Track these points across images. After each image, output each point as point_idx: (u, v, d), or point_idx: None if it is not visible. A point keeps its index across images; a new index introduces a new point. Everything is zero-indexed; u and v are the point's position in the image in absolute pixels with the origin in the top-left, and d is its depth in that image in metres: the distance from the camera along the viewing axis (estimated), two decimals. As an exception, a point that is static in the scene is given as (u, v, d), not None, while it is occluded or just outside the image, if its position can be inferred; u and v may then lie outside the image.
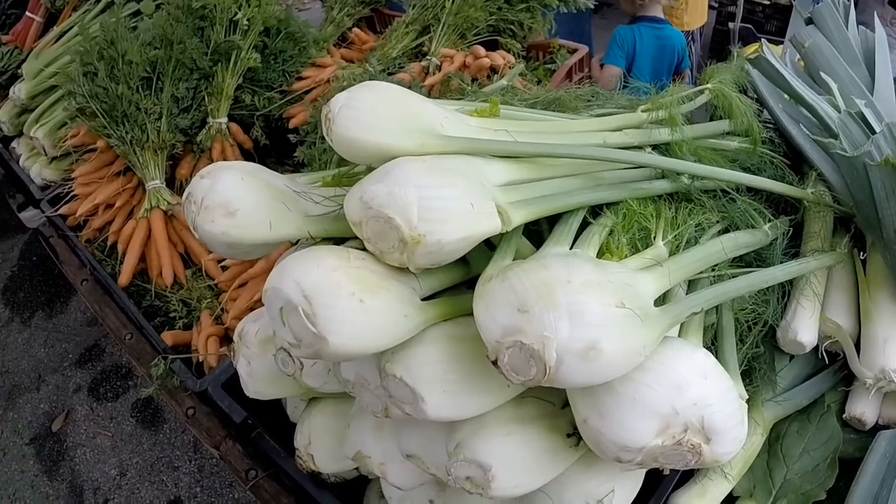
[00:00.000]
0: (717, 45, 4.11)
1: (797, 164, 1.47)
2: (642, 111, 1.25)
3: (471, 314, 0.95)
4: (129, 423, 2.69)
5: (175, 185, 2.04)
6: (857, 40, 1.58)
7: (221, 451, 1.76)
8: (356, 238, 1.00)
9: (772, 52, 1.41)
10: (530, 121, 1.16)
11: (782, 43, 3.39)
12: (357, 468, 1.33)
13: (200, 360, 1.64)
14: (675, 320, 0.94)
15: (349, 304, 0.83)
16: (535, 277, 0.81)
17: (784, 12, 3.50)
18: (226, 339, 1.71)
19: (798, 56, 1.65)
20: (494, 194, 0.93)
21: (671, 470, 1.27)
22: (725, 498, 1.28)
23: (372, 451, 1.12)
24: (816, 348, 1.34)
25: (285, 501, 1.63)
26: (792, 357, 1.38)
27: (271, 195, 1.01)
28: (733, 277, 1.10)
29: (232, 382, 1.46)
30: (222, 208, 0.98)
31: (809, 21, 1.58)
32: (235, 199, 0.98)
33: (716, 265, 1.13)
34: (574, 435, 0.96)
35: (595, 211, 1.08)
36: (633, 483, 1.00)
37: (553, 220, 1.06)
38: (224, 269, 1.80)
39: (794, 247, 1.37)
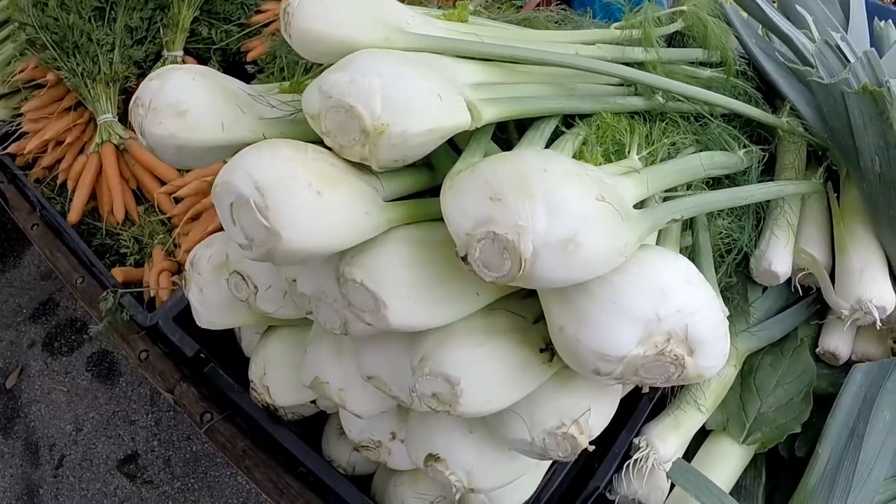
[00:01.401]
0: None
1: (769, 98, 1.41)
2: (616, 28, 1.17)
3: (436, 219, 0.87)
4: (84, 377, 2.56)
5: (128, 120, 1.90)
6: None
7: (175, 394, 1.66)
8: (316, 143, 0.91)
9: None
10: (500, 29, 1.07)
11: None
12: (315, 402, 1.25)
13: (152, 295, 1.52)
14: (654, 224, 0.86)
15: (306, 196, 0.74)
16: (509, 166, 0.73)
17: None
18: (178, 273, 1.60)
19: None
20: (464, 91, 0.84)
21: (644, 399, 1.21)
22: (698, 432, 1.23)
23: (330, 377, 1.03)
24: (789, 281, 1.29)
25: (241, 444, 1.53)
26: (765, 289, 1.33)
27: (224, 97, 0.91)
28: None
29: (184, 315, 1.36)
30: (171, 109, 0.88)
31: (784, -45, 1.51)
32: (186, 99, 0.88)
33: (692, 182, 1.06)
34: (547, 350, 0.88)
35: (567, 123, 1.01)
36: (609, 403, 0.93)
37: (523, 131, 0.98)
38: (177, 202, 1.69)
39: (767, 179, 1.31)
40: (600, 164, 0.94)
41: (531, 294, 0.90)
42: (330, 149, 0.81)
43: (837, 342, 1.29)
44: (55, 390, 2.55)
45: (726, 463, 1.22)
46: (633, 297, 0.75)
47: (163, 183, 1.75)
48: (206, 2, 1.92)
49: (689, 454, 1.23)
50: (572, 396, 0.89)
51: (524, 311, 0.90)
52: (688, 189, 1.07)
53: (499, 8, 1.41)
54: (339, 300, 0.89)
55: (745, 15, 1.45)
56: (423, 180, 0.91)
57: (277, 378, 1.18)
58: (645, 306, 0.74)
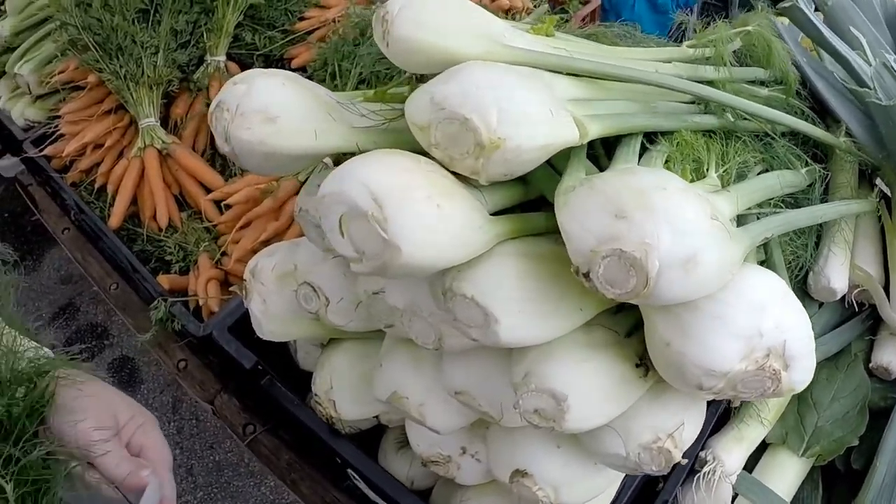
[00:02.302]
0: (707, 16, 3.90)
1: (821, 118, 1.40)
2: (688, 46, 1.15)
3: (539, 234, 0.85)
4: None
5: (169, 124, 1.86)
6: (877, 2, 1.52)
7: (216, 405, 1.62)
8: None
9: (805, 2, 1.32)
10: (582, 45, 1.05)
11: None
12: (376, 417, 1.22)
13: (200, 304, 1.48)
14: (752, 242, 0.85)
15: (426, 209, 0.71)
16: (628, 183, 0.71)
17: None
18: (226, 284, 1.55)
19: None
20: (566, 106, 0.82)
21: (708, 412, 1.19)
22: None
23: (410, 391, 0.99)
24: (843, 297, 1.28)
25: (286, 457, 1.50)
26: (821, 305, 1.31)
27: (314, 103, 0.88)
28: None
29: (238, 326, 1.32)
30: (261, 114, 0.84)
31: (832, -21, 1.50)
32: (276, 103, 0.84)
33: (770, 199, 1.04)
34: (642, 365, 0.86)
35: (649, 139, 0.99)
36: (699, 416, 0.91)
37: (606, 147, 0.96)
38: (224, 209, 1.64)
39: (823, 198, 1.30)
40: (690, 181, 0.92)
41: (621, 309, 0.88)
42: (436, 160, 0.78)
43: (891, 357, 1.28)
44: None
45: (786, 475, 1.20)
46: (738, 314, 0.74)
47: (208, 190, 1.71)
48: (251, 7, 1.89)
49: (748, 467, 1.21)
50: (666, 410, 0.87)
51: (616, 325, 0.88)
52: (759, 207, 1.06)
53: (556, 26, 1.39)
54: (435, 314, 0.86)
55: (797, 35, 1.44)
56: (519, 194, 0.89)
57: (343, 391, 1.14)
58: (748, 322, 0.74)
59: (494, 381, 0.90)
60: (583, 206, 0.71)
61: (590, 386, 0.80)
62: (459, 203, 0.74)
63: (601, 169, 0.95)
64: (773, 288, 0.79)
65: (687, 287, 0.70)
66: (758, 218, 1.03)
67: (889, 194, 1.31)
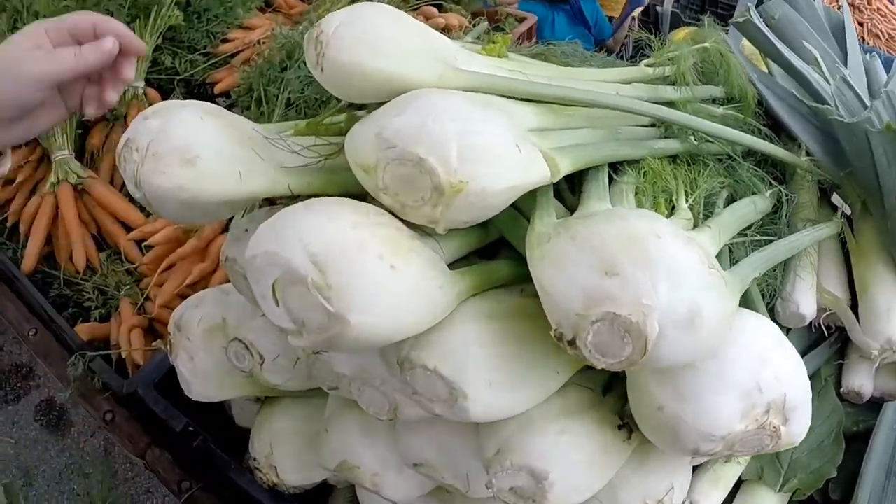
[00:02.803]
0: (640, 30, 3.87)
1: (776, 134, 1.32)
2: (646, 65, 1.05)
3: (501, 286, 0.72)
4: (33, 427, 2.26)
5: (85, 156, 1.66)
6: (822, 13, 1.45)
7: (147, 459, 1.43)
8: (349, 196, 0.74)
9: (758, 17, 1.24)
10: (536, 66, 0.92)
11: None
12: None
13: (122, 356, 1.30)
14: (742, 286, 0.75)
15: (377, 272, 0.57)
16: (617, 230, 0.58)
17: (699, 1, 3.41)
18: (151, 332, 1.37)
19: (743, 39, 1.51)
20: (530, 138, 0.69)
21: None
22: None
23: (362, 460, 0.85)
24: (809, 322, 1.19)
25: (228, 514, 1.33)
26: (788, 330, 1.22)
27: (238, 140, 0.74)
28: (765, 242, 0.92)
29: (166, 381, 1.15)
30: (178, 155, 0.69)
31: (777, -9, 1.43)
32: (195, 143, 0.70)
33: (746, 229, 0.94)
34: (625, 426, 0.74)
35: (613, 167, 0.88)
36: (687, 475, 0.83)
37: (569, 178, 0.84)
38: (146, 251, 1.46)
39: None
40: (665, 216, 0.81)
41: (597, 362, 0.77)
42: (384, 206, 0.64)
43: (862, 381, 1.20)
44: (1, 441, 2.24)
45: (764, 512, 1.10)
46: (737, 368, 0.65)
47: (128, 228, 1.52)
48: (170, 29, 1.70)
49: (725, 505, 1.11)
50: (655, 475, 0.77)
51: (591, 381, 0.77)
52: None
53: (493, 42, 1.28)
54: (389, 382, 0.72)
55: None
56: (478, 238, 0.76)
57: (287, 457, 0.99)
58: (748, 377, 0.65)
59: (459, 452, 0.77)
60: (565, 261, 0.59)
61: (572, 459, 0.68)
62: (416, 261, 0.60)
63: (566, 205, 0.83)
64: (769, 335, 0.70)
65: (690, 349, 0.60)
66: (731, 251, 0.93)
67: (849, 213, 1.24)
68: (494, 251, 0.80)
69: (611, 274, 0.56)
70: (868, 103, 1.18)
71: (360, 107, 0.91)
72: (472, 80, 0.71)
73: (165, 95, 1.73)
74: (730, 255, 0.91)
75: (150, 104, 1.67)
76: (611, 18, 3.42)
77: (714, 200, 0.98)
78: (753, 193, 1.07)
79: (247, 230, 0.94)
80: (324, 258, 0.56)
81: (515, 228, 0.73)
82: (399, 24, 0.69)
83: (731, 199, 1.04)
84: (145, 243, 1.45)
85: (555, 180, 0.68)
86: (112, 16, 1.54)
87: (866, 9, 3.24)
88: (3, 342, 2.47)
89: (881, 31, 3.20)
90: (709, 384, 0.64)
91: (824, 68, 1.24)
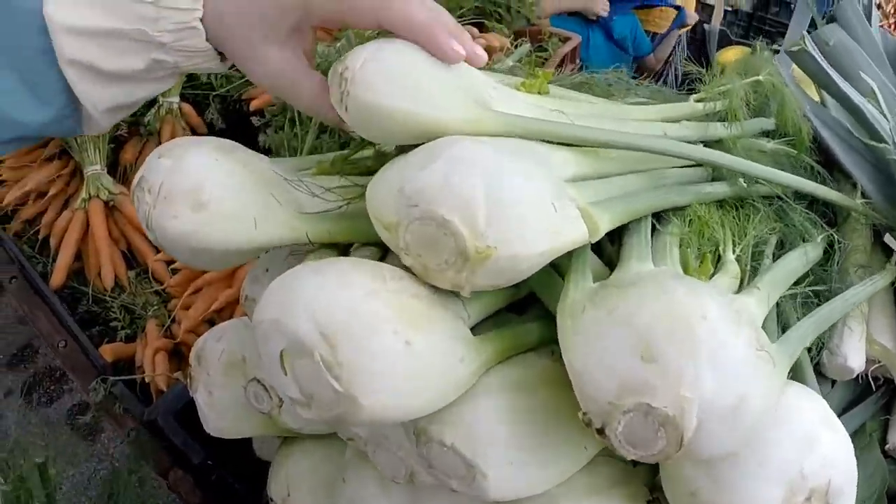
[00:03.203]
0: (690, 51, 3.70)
1: (826, 170, 1.22)
2: (696, 101, 0.97)
3: (530, 350, 0.66)
4: (64, 430, 2.25)
5: (118, 171, 1.63)
6: (879, 38, 1.35)
7: (170, 479, 1.40)
8: (373, 245, 0.68)
9: (814, 46, 1.15)
10: (579, 103, 0.85)
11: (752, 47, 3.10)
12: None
13: (147, 381, 1.26)
14: (791, 360, 0.67)
15: (392, 348, 0.51)
16: (660, 307, 0.51)
17: (746, 18, 3.29)
18: (176, 355, 1.33)
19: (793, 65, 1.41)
20: (568, 191, 0.62)
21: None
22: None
23: (379, 515, 0.79)
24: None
25: (245, 538, 1.28)
26: (834, 382, 1.13)
27: (254, 182, 0.68)
28: (817, 297, 0.84)
29: (187, 411, 1.11)
30: (189, 198, 0.64)
31: (832, 19, 1.33)
32: (208, 185, 0.65)
33: (796, 283, 0.86)
34: (654, 501, 0.67)
35: (657, 215, 0.80)
36: None
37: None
38: (174, 271, 1.42)
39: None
40: (711, 274, 0.73)
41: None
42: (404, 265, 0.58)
43: (909, 439, 1.10)
44: (33, 444, 2.24)
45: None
46: (779, 453, 0.57)
47: (157, 247, 1.48)
48: (206, 43, 1.65)
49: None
50: None
51: (623, 452, 0.69)
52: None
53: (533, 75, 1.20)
54: (407, 448, 0.66)
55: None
56: (508, 296, 0.69)
57: (303, 500, 0.94)
58: (790, 462, 0.57)
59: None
60: (599, 340, 0.52)
61: (602, 548, 0.60)
62: (436, 334, 0.54)
63: (603, 257, 0.75)
64: (817, 412, 0.62)
65: (731, 441, 0.52)
66: (777, 304, 0.85)
67: (905, 257, 1.14)
68: (524, 304, 0.74)
69: (649, 359, 0.49)
70: (928, 142, 1.09)
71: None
72: (507, 123, 0.64)
73: (201, 111, 1.70)
74: (776, 308, 0.84)
75: (185, 119, 1.65)
76: (656, 34, 3.32)
77: (762, 249, 0.90)
78: (804, 239, 0.99)
79: (267, 270, 0.89)
80: (333, 331, 0.50)
81: (549, 287, 0.66)
82: (431, 59, 0.63)
83: (780, 244, 0.96)
84: (172, 266, 1.42)
85: (593, 241, 0.61)
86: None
87: (891, 16, 3.09)
88: (39, 345, 2.48)
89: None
90: (748, 470, 0.56)
91: (882, 103, 1.14)
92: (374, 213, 0.59)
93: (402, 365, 0.51)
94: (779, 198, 0.98)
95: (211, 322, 1.28)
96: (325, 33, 1.94)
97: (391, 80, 0.59)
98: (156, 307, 1.39)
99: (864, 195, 1.15)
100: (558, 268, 0.66)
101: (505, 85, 0.74)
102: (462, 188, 0.53)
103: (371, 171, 0.84)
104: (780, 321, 0.80)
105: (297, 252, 0.77)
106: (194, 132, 1.66)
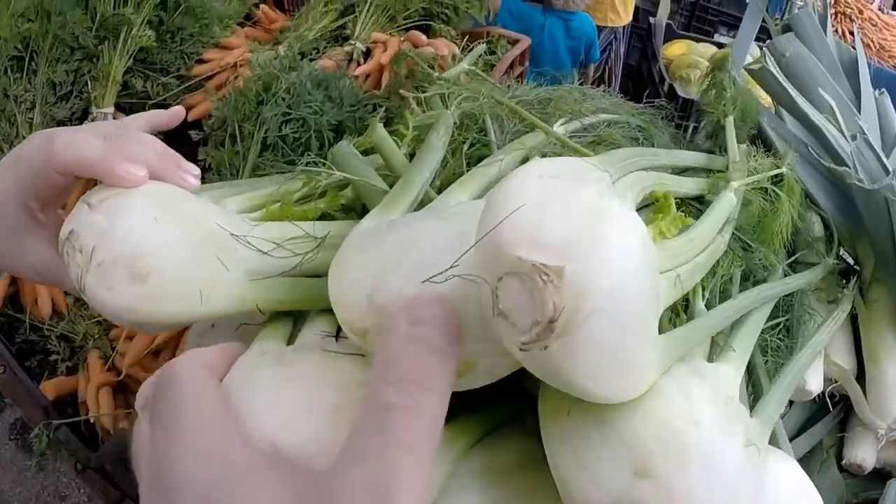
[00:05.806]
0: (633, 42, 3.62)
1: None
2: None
3: (500, 426, 0.61)
4: (7, 446, 2.13)
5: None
6: (833, 48, 1.33)
7: (121, 512, 1.32)
8: (328, 312, 0.62)
9: (774, 63, 1.12)
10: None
11: (702, 41, 3.06)
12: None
13: (91, 420, 1.17)
14: (770, 429, 0.63)
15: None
16: (655, 422, 0.47)
17: (689, 7, 3.26)
18: (121, 391, 1.24)
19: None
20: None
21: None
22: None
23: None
24: (813, 393, 1.09)
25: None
26: (791, 403, 1.12)
27: (200, 243, 0.60)
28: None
29: (136, 454, 1.03)
30: (127, 268, 0.56)
31: (787, 28, 1.30)
32: (147, 254, 0.56)
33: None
34: None
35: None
36: None
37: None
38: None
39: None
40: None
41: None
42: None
43: (864, 454, 1.11)
44: (-24, 461, 2.11)
45: None
46: None
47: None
48: (141, 50, 1.54)
49: None
50: None
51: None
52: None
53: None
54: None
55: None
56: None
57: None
58: None
59: None
60: (589, 452, 0.47)
61: None
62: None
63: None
64: (793, 481, 0.62)
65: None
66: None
67: (860, 271, 1.14)
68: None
69: (641, 475, 0.45)
70: (887, 164, 1.07)
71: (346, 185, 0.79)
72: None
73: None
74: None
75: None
76: (613, 30, 3.27)
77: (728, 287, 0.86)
78: (765, 269, 0.96)
79: (214, 325, 0.82)
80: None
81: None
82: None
83: (744, 276, 0.93)
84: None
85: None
86: (78, 39, 1.39)
87: (857, 18, 3.13)
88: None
89: (872, 40, 3.09)
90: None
91: (841, 121, 1.12)
92: (339, 312, 0.53)
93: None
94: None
95: (157, 353, 1.19)
96: (266, 33, 1.83)
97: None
98: (97, 337, 1.29)
99: (819, 209, 1.14)
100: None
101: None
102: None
103: (325, 215, 0.78)
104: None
105: (250, 321, 0.70)
106: (132, 142, 1.54)
